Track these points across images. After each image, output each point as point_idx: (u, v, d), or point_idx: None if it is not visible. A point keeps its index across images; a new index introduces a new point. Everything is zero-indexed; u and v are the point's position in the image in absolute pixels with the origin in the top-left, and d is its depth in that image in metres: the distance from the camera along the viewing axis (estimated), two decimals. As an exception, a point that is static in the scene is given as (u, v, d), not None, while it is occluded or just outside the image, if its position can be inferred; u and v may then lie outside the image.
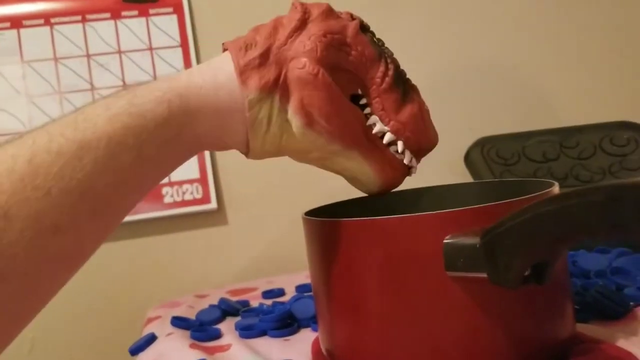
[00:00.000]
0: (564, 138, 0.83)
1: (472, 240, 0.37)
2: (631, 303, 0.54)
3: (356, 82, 0.44)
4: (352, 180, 0.49)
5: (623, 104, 1.07)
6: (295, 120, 0.42)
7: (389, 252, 0.41)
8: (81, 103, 0.92)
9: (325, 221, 0.46)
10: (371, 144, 0.45)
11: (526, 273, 0.36)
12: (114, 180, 0.36)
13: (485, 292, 0.39)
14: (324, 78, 0.42)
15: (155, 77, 0.95)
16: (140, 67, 0.95)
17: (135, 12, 0.95)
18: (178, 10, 0.96)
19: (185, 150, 0.41)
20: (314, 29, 0.43)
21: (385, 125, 0.45)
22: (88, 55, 0.94)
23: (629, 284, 0.57)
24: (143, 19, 0.95)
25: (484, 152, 0.84)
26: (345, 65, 0.43)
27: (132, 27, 0.95)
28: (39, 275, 0.33)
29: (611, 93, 1.08)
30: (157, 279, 0.95)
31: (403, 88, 0.46)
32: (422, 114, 0.47)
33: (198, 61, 0.97)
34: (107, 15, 0.94)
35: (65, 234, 0.33)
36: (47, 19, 0.93)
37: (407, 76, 0.48)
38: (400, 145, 0.46)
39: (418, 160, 0.49)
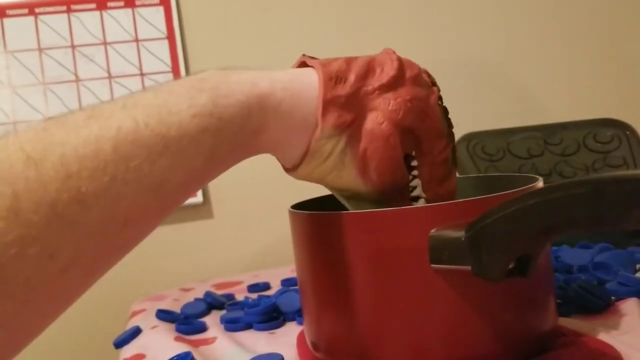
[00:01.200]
0: (548, 134, 0.84)
1: (457, 233, 0.38)
2: (612, 297, 0.55)
3: (415, 145, 0.46)
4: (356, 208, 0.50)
5: (607, 101, 1.08)
6: (351, 165, 0.44)
7: (374, 245, 0.42)
8: (66, 95, 0.92)
9: (311, 214, 0.46)
10: (402, 199, 0.47)
11: (510, 266, 0.37)
12: (185, 178, 0.35)
13: (470, 285, 0.40)
14: (394, 141, 0.43)
15: (141, 70, 0.94)
16: (126, 58, 0.94)
17: (121, 3, 0.94)
18: (165, 2, 0.95)
19: (250, 154, 0.41)
20: (403, 91, 0.44)
21: (424, 192, 0.47)
22: (73, 46, 0.93)
23: (611, 279, 0.58)
24: (129, 10, 0.94)
25: (470, 148, 0.85)
26: (415, 130, 0.45)
27: (118, 18, 0.94)
28: (101, 262, 0.33)
29: (595, 90, 1.09)
30: (142, 272, 0.94)
31: (450, 165, 0.48)
32: (455, 189, 0.49)
33: (184, 54, 0.96)
34: (93, 5, 0.93)
35: (133, 226, 0.33)
36: (31, 8, 0.92)
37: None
38: (421, 203, 0.48)
39: None
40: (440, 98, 0.47)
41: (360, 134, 0.43)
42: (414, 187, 0.47)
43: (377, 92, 0.43)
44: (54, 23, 0.92)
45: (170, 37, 0.95)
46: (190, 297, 0.76)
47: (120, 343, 0.63)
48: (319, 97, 0.41)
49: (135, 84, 0.94)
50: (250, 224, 0.99)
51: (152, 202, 0.34)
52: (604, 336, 0.46)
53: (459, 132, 0.90)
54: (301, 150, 0.43)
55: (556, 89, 1.08)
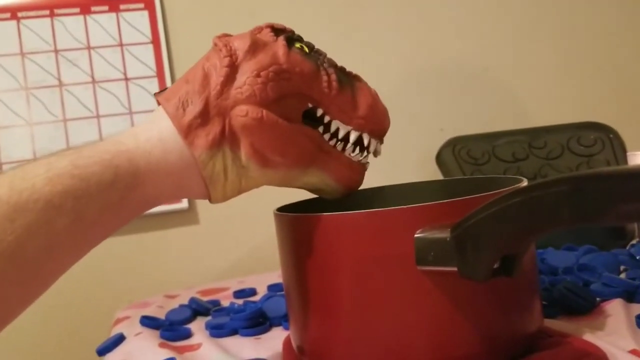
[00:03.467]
0: (533, 138, 0.84)
1: (442, 234, 0.38)
2: (597, 298, 0.55)
3: (304, 99, 0.44)
4: (316, 191, 0.49)
5: (590, 104, 1.09)
6: (251, 164, 0.42)
7: (359, 247, 0.41)
8: (49, 100, 0.91)
9: (296, 216, 0.46)
10: (326, 155, 0.45)
11: (495, 266, 0.37)
12: (47, 243, 0.34)
13: (456, 286, 0.40)
14: (269, 118, 0.41)
15: (125, 74, 0.94)
16: (110, 63, 0.93)
17: (106, 8, 0.93)
18: (149, 6, 0.95)
19: (133, 210, 0.40)
20: (247, 70, 0.42)
21: (348, 125, 0.45)
22: (56, 51, 0.92)
23: (595, 280, 0.59)
24: (113, 15, 0.94)
25: (455, 152, 0.85)
26: (289, 91, 0.43)
27: (102, 22, 0.93)
28: None
29: (578, 94, 1.10)
30: (126, 279, 0.93)
31: (350, 83, 0.46)
32: (375, 99, 0.47)
33: (169, 58, 0.96)
34: (77, 10, 0.93)
35: None
36: (14, 12, 0.91)
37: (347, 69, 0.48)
38: (366, 138, 0.46)
39: (381, 142, 0.49)
40: (293, 40, 0.45)
41: (237, 134, 0.41)
42: (337, 130, 0.45)
43: (224, 89, 0.41)
44: (37, 27, 0.92)
45: (155, 41, 0.95)
46: (175, 304, 0.75)
47: (103, 350, 0.62)
48: (178, 132, 0.41)
49: (119, 88, 0.93)
50: (236, 230, 0.98)
51: (8, 270, 0.33)
52: (589, 337, 0.46)
53: (444, 137, 0.91)
54: (200, 184, 0.42)
55: (540, 93, 1.09)
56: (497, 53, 1.09)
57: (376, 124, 0.47)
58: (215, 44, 0.44)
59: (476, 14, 1.08)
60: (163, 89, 0.45)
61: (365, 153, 0.47)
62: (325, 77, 0.44)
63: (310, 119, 0.45)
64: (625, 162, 0.79)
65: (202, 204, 0.97)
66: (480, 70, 1.08)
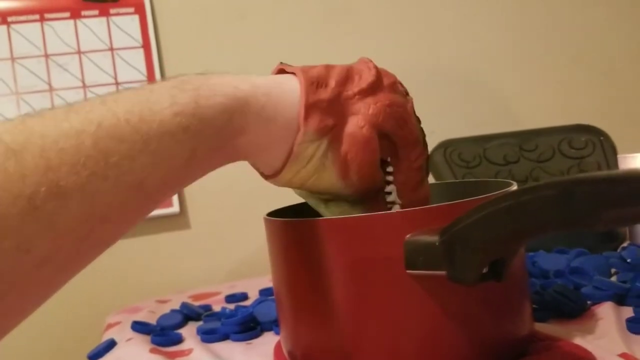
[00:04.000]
0: (524, 141, 0.85)
1: (432, 238, 0.38)
2: (588, 302, 0.55)
3: (392, 151, 0.46)
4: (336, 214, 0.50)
5: (580, 107, 1.10)
6: (332, 168, 0.44)
7: (349, 252, 0.41)
8: (39, 105, 0.90)
9: (286, 221, 0.45)
10: (378, 202, 0.47)
11: (484, 270, 0.37)
12: (164, 178, 0.35)
13: (446, 291, 0.40)
14: (374, 144, 0.44)
15: (116, 79, 0.93)
16: (100, 68, 0.93)
17: (96, 12, 0.93)
18: (140, 11, 0.94)
19: (224, 159, 0.41)
20: (382, 96, 0.44)
21: (399, 198, 0.48)
22: (46, 55, 0.92)
23: (586, 283, 0.59)
24: (104, 19, 0.93)
25: (447, 155, 0.85)
26: (392, 136, 0.45)
27: (93, 27, 0.93)
28: (77, 259, 0.32)
29: (569, 96, 1.11)
30: (117, 284, 0.93)
31: (424, 174, 0.49)
32: (428, 199, 0.50)
33: (160, 63, 0.95)
34: (67, 14, 0.92)
35: (112, 224, 0.33)
36: (4, 17, 0.90)
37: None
38: (396, 209, 0.48)
39: None
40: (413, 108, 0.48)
41: (342, 137, 0.43)
42: (389, 193, 0.47)
43: (357, 96, 0.44)
44: (27, 32, 0.91)
45: (146, 45, 0.94)
46: (166, 309, 0.75)
47: (94, 356, 0.62)
48: (301, 101, 0.42)
49: (110, 93, 0.93)
50: (228, 234, 0.98)
51: (131, 199, 0.33)
52: (580, 340, 0.46)
53: (435, 140, 0.91)
54: (283, 155, 0.43)
55: (531, 95, 1.10)
56: (488, 56, 1.09)
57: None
58: (366, 62, 0.46)
59: (467, 17, 1.09)
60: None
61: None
62: (419, 153, 0.47)
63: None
64: (616, 164, 0.79)
65: (193, 208, 0.97)
66: (471, 73, 1.09)
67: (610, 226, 0.27)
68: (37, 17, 0.91)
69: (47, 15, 0.92)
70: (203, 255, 0.97)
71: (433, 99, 1.07)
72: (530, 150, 0.84)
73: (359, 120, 0.43)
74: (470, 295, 0.40)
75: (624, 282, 0.58)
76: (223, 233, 0.97)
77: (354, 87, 0.44)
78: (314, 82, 0.43)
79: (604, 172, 0.26)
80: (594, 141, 0.82)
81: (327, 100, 0.42)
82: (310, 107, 0.42)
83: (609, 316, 0.51)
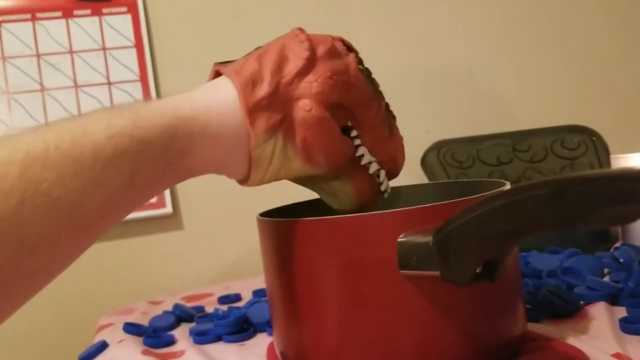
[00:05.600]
0: (517, 141, 0.85)
1: (425, 238, 0.38)
2: (581, 302, 0.55)
3: (350, 116, 0.45)
4: (330, 196, 0.49)
5: (573, 107, 1.10)
6: (296, 157, 0.43)
7: (342, 252, 0.41)
8: (30, 104, 0.90)
9: (278, 221, 0.45)
10: (356, 167, 0.46)
11: (478, 270, 0.37)
12: (102, 202, 0.34)
13: (439, 291, 0.40)
14: (328, 120, 0.43)
15: (108, 79, 0.93)
16: (93, 67, 0.92)
17: (88, 11, 0.92)
18: (132, 10, 0.94)
19: (177, 177, 0.41)
20: (321, 69, 0.43)
21: (373, 157, 0.47)
22: (38, 55, 0.91)
23: (579, 284, 0.59)
24: (96, 19, 0.93)
25: (440, 156, 0.85)
26: (345, 103, 0.44)
27: (85, 26, 0.92)
28: (9, 290, 0.31)
29: (562, 97, 1.11)
30: (110, 286, 0.92)
31: (389, 121, 0.48)
32: (403, 146, 0.49)
33: (153, 62, 0.95)
34: (59, 14, 0.92)
35: (44, 253, 0.32)
36: (-6, 16, 0.90)
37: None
38: (382, 175, 0.48)
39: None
40: (360, 61, 0.46)
41: (294, 125, 0.42)
42: (361, 156, 0.46)
43: (296, 80, 0.42)
44: (19, 31, 0.90)
45: (139, 45, 0.94)
46: (159, 310, 0.74)
47: (85, 358, 0.61)
48: (242, 108, 0.41)
49: (102, 93, 0.92)
50: (221, 235, 0.97)
51: (66, 227, 0.33)
52: (573, 340, 0.46)
53: (429, 140, 0.91)
54: (244, 163, 0.43)
55: (524, 96, 1.10)
56: (482, 56, 1.09)
57: (395, 166, 0.48)
58: (297, 35, 0.44)
59: (461, 17, 1.09)
60: (223, 62, 0.45)
61: (387, 185, 0.49)
62: (376, 107, 0.46)
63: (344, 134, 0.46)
64: (609, 164, 0.79)
65: (186, 209, 0.96)
66: (465, 74, 1.09)
67: (602, 225, 0.27)
68: (28, 16, 0.91)
69: (39, 15, 0.91)
70: (196, 256, 0.96)
71: (427, 99, 1.07)
72: (523, 151, 0.84)
73: (305, 104, 0.42)
74: (464, 295, 0.40)
75: (617, 282, 0.58)
76: (217, 234, 0.97)
77: (291, 71, 0.42)
78: (249, 82, 0.41)
79: (596, 171, 0.26)
80: (586, 142, 0.82)
81: (267, 96, 0.41)
82: (252, 111, 0.41)
83: (602, 316, 0.51)
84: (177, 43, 0.97)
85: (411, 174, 0.92)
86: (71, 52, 0.92)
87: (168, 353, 0.59)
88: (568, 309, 0.53)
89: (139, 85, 0.93)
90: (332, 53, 0.44)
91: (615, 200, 0.26)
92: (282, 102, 0.42)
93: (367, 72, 0.46)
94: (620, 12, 1.15)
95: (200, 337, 0.61)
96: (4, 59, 0.90)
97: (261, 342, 0.57)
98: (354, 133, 0.46)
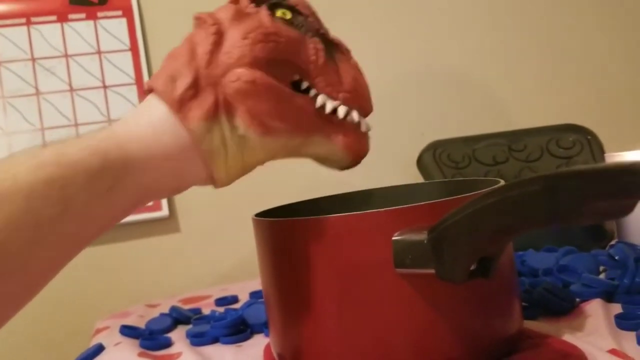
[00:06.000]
0: (512, 141, 0.85)
1: (420, 236, 0.38)
2: (577, 299, 0.55)
3: (292, 68, 0.42)
4: (323, 161, 0.47)
5: (568, 107, 1.10)
6: (250, 132, 0.40)
7: (337, 251, 0.41)
8: (26, 109, 0.90)
9: (273, 221, 0.45)
10: (328, 123, 0.43)
11: (472, 267, 0.37)
12: (32, 236, 0.32)
13: (434, 288, 0.40)
14: (263, 80, 0.40)
15: (104, 82, 0.93)
16: (88, 71, 0.92)
17: (83, 15, 0.92)
18: (127, 14, 0.94)
19: (127, 201, 0.38)
20: (234, 35, 0.41)
21: (336, 100, 0.44)
22: (33, 59, 0.91)
23: (575, 281, 0.59)
24: (91, 22, 0.93)
25: (436, 156, 0.85)
26: (277, 56, 0.41)
27: (80, 30, 0.92)
28: None
29: (557, 96, 1.11)
30: (106, 289, 0.92)
31: (331, 54, 0.44)
32: (359, 71, 0.46)
33: (149, 66, 0.95)
34: (54, 18, 0.92)
35: None
36: (-11, 21, 0.90)
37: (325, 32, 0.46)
38: (355, 115, 0.44)
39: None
40: (272, 8, 0.43)
41: (232, 101, 0.40)
42: (323, 105, 0.43)
43: (213, 57, 0.40)
44: (13, 35, 0.90)
45: (134, 48, 0.94)
46: (156, 313, 0.74)
47: (82, 361, 0.61)
48: (170, 108, 0.39)
49: (97, 96, 0.92)
50: (218, 237, 0.97)
51: None
52: (569, 337, 0.46)
53: (425, 141, 0.91)
54: (200, 164, 0.40)
55: (519, 96, 1.10)
56: (477, 56, 1.09)
57: (363, 99, 0.45)
58: (198, 18, 0.43)
59: (455, 18, 1.09)
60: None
61: (365, 123, 0.46)
62: (312, 46, 0.43)
63: (296, 91, 0.43)
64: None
65: (182, 212, 0.96)
66: (460, 74, 1.09)
67: (595, 220, 0.27)
68: (23, 20, 0.91)
69: (33, 19, 0.91)
70: (193, 258, 0.96)
71: (422, 100, 1.07)
72: (519, 151, 0.84)
73: (231, 75, 0.40)
74: (460, 293, 0.40)
75: (612, 279, 0.58)
76: (213, 236, 0.97)
77: (204, 51, 0.40)
78: (168, 82, 0.40)
79: (588, 166, 0.26)
80: (581, 141, 0.83)
81: (190, 85, 0.39)
82: (180, 106, 0.39)
83: (597, 313, 0.51)
84: (172, 46, 0.97)
85: (407, 174, 0.92)
86: (66, 56, 0.92)
87: (165, 355, 0.58)
88: (564, 307, 0.53)
89: (134, 88, 0.93)
90: (237, 16, 0.42)
91: (606, 195, 0.26)
92: (209, 84, 0.40)
93: (288, 18, 0.43)
94: (614, 12, 1.15)
95: (197, 339, 0.60)
96: (-1, 63, 0.90)
97: (258, 344, 0.57)
98: (304, 85, 0.43)
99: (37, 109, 0.91)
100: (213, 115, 0.39)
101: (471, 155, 0.85)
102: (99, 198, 0.36)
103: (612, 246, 0.70)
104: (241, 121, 0.40)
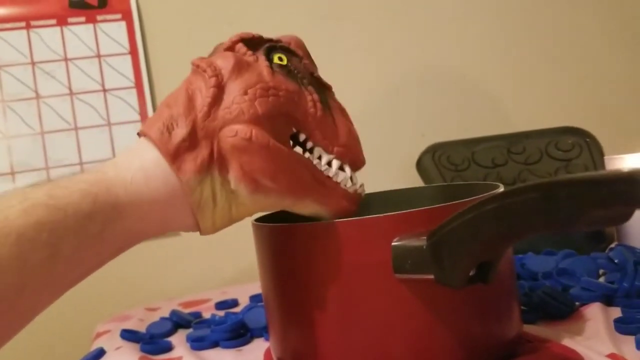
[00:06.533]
0: (512, 144, 0.85)
1: (419, 242, 0.38)
2: (576, 303, 0.55)
3: (290, 121, 0.42)
4: (311, 216, 0.46)
5: (567, 109, 1.11)
6: (240, 189, 0.40)
7: (337, 257, 0.41)
8: (26, 112, 0.90)
9: (273, 227, 0.45)
10: (322, 186, 0.43)
11: (471, 273, 0.37)
12: (19, 280, 0.32)
13: (434, 294, 0.40)
14: (259, 138, 0.39)
15: (103, 86, 0.93)
16: (88, 74, 0.92)
17: (83, 19, 0.93)
18: (127, 17, 0.94)
19: (115, 245, 0.38)
20: (234, 90, 0.40)
21: (330, 154, 0.44)
22: (33, 63, 0.91)
23: (574, 285, 0.59)
24: (90, 26, 0.93)
25: (436, 159, 0.85)
26: (277, 110, 0.41)
27: (79, 34, 0.92)
28: None
29: (556, 99, 1.11)
30: (107, 292, 0.92)
31: (326, 100, 0.44)
32: (351, 123, 0.46)
33: (148, 69, 0.95)
34: (53, 21, 0.92)
35: None
36: (-11, 25, 0.90)
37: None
38: (348, 170, 0.45)
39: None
40: (269, 54, 0.43)
41: (226, 156, 0.40)
42: (319, 157, 0.43)
43: (212, 110, 0.40)
44: (13, 39, 0.91)
45: (133, 52, 0.94)
46: (156, 317, 0.74)
47: (82, 365, 0.61)
48: (164, 157, 0.39)
49: (97, 100, 0.93)
50: (218, 240, 0.96)
51: None
52: (568, 341, 0.46)
53: (424, 143, 0.91)
54: (187, 213, 0.40)
55: (519, 98, 1.10)
56: (476, 59, 1.10)
57: (355, 154, 0.45)
58: (198, 65, 0.42)
59: (455, 20, 1.09)
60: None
61: (358, 182, 0.45)
62: (309, 97, 0.43)
63: (295, 142, 0.44)
64: (603, 166, 0.79)
65: (183, 215, 0.96)
66: (459, 76, 1.09)
67: (593, 226, 0.27)
68: (23, 24, 0.91)
69: (33, 23, 0.91)
70: (193, 262, 0.96)
71: (422, 103, 1.07)
72: (518, 153, 0.84)
73: (229, 130, 0.39)
74: (459, 298, 0.40)
75: (612, 282, 0.58)
76: (213, 240, 0.96)
77: (203, 103, 0.40)
78: (164, 130, 0.39)
79: (586, 174, 0.26)
80: (580, 143, 0.83)
81: (187, 137, 0.39)
82: (175, 157, 0.38)
83: (597, 317, 0.51)
84: (172, 49, 0.97)
85: (407, 177, 0.93)
86: (66, 59, 0.92)
87: (165, 359, 0.58)
88: (563, 310, 0.53)
89: (134, 92, 0.94)
90: (238, 68, 0.41)
91: (604, 203, 0.26)
92: (205, 137, 0.39)
93: (285, 67, 0.43)
94: (613, 13, 1.16)
95: (197, 343, 0.60)
96: (-1, 67, 0.90)
97: (258, 348, 0.57)
98: (302, 137, 0.43)
99: (37, 112, 0.91)
100: (207, 169, 0.39)
101: (470, 157, 0.85)
102: (88, 242, 0.36)
103: (611, 249, 0.70)
104: (233, 176, 0.40)
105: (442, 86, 1.08)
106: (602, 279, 0.62)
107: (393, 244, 0.39)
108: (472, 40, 1.10)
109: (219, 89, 0.40)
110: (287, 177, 0.41)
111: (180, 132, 0.39)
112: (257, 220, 0.49)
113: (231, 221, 0.43)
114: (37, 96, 0.91)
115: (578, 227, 0.28)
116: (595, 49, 1.14)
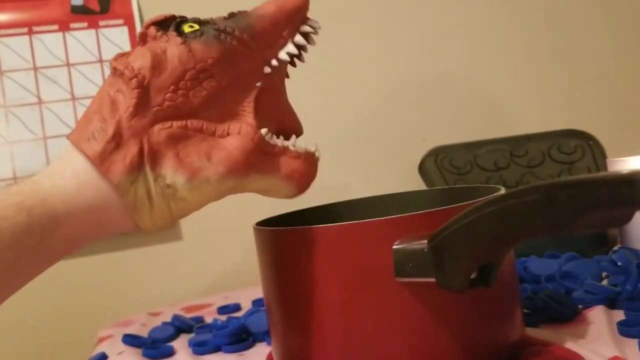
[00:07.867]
0: (514, 147, 0.85)
1: (420, 245, 0.38)
2: (579, 306, 0.55)
3: (233, 83, 0.41)
4: (267, 194, 0.45)
5: (569, 112, 1.10)
6: (177, 179, 0.40)
7: (338, 260, 0.41)
8: (28, 118, 0.90)
9: (275, 230, 0.45)
10: (267, 157, 0.42)
11: (473, 276, 0.37)
12: None
13: (435, 297, 0.39)
14: (193, 124, 0.39)
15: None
16: (90, 80, 0.93)
17: (85, 24, 0.93)
18: (129, 22, 0.94)
19: (55, 254, 0.38)
20: (161, 87, 0.40)
21: (279, 49, 0.43)
22: (35, 68, 0.91)
23: (578, 288, 0.59)
24: (92, 31, 0.93)
25: (438, 162, 0.85)
26: (216, 89, 0.40)
27: (82, 39, 0.93)
28: None
29: (558, 102, 1.11)
30: (109, 298, 0.92)
31: (247, 23, 0.43)
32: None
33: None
34: (55, 27, 0.92)
35: None
36: (-9, 31, 0.90)
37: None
38: (293, 140, 0.44)
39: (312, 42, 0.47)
40: (176, 26, 0.42)
41: (159, 150, 0.39)
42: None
43: (139, 110, 0.39)
44: (15, 45, 0.91)
45: (135, 57, 0.94)
46: (158, 322, 0.74)
47: (84, 371, 0.61)
48: (92, 162, 0.38)
49: (99, 105, 0.93)
50: (220, 245, 0.97)
51: None
52: (571, 344, 0.46)
53: (426, 147, 0.91)
54: (124, 215, 0.40)
55: (520, 101, 1.10)
56: (477, 62, 1.10)
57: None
58: (115, 68, 0.41)
59: (457, 23, 1.09)
60: None
61: (314, 146, 0.45)
62: (234, 42, 0.41)
63: None
64: (605, 168, 0.79)
65: (184, 219, 0.96)
66: (461, 80, 1.09)
67: (595, 228, 0.27)
68: (25, 30, 0.91)
69: (35, 28, 0.92)
70: (196, 266, 0.96)
71: (423, 106, 1.07)
72: (520, 156, 0.84)
73: (162, 124, 0.39)
74: (461, 301, 0.40)
75: (615, 285, 0.58)
76: (216, 244, 0.97)
77: (128, 104, 0.39)
78: (89, 136, 0.39)
79: (587, 175, 0.26)
80: (583, 146, 0.83)
81: (112, 137, 0.38)
82: (102, 159, 0.38)
83: (600, 320, 0.51)
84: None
85: (410, 180, 0.92)
86: (68, 64, 0.92)
87: (167, 364, 0.59)
88: (566, 314, 0.53)
89: (136, 96, 0.94)
90: (158, 63, 0.40)
91: (604, 204, 0.26)
92: (133, 135, 0.39)
93: (197, 31, 0.41)
94: (616, 16, 1.16)
95: (199, 348, 0.60)
96: (1, 72, 0.90)
97: (260, 352, 0.57)
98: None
99: (40, 117, 0.91)
100: (137, 167, 0.39)
101: (473, 161, 0.85)
102: (26, 254, 0.36)
103: (614, 252, 0.70)
104: (169, 167, 0.39)
105: (443, 90, 1.08)
106: (605, 282, 0.61)
107: (394, 247, 0.39)
108: (473, 43, 1.10)
109: (143, 90, 0.39)
110: (225, 155, 0.40)
111: (105, 134, 0.39)
112: (259, 224, 0.49)
113: (173, 218, 0.42)
114: (40, 101, 0.91)
115: (579, 229, 0.28)
116: (597, 51, 1.14)
